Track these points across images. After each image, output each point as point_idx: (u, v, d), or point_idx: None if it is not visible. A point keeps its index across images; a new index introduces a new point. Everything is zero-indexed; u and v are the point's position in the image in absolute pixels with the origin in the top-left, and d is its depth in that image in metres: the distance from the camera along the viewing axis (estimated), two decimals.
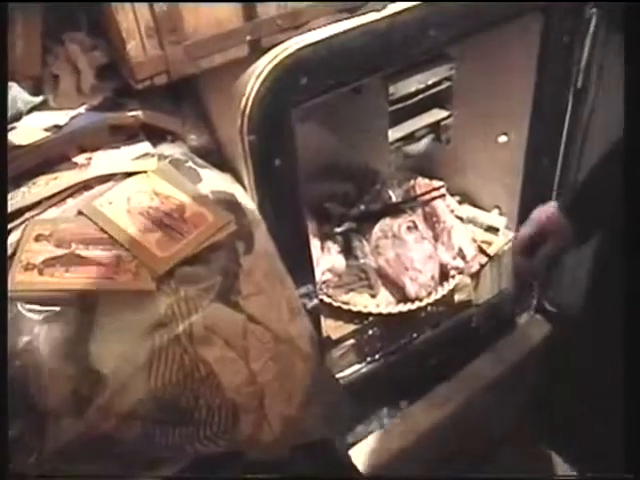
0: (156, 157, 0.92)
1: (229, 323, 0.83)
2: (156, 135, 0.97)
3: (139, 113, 0.90)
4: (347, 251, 1.33)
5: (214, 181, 0.94)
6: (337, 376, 1.33)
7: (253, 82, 0.88)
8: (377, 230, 1.33)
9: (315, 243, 1.30)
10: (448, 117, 1.17)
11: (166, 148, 0.96)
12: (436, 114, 1.16)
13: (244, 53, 0.88)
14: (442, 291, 1.29)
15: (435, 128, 1.18)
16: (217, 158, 1.00)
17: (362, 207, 1.37)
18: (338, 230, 1.34)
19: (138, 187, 0.89)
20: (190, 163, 0.94)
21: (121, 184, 0.89)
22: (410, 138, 1.15)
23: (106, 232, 0.84)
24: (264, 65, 0.88)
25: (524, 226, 1.03)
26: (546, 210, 1.01)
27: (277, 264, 0.93)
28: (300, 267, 1.07)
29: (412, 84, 1.08)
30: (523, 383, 1.43)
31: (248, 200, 0.96)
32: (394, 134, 1.12)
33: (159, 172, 0.91)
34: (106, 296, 0.80)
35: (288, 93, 0.90)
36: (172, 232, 0.84)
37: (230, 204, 0.92)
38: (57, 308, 0.79)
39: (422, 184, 1.42)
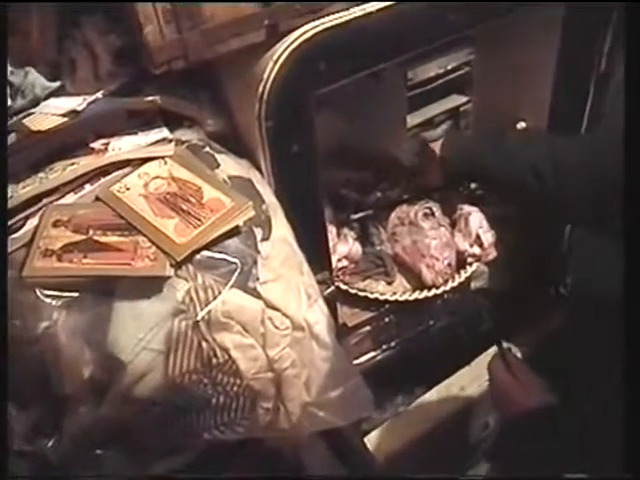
0: (173, 142, 0.91)
1: (247, 310, 0.82)
2: (173, 121, 0.96)
3: (156, 98, 0.89)
4: (363, 238, 1.32)
5: (231, 167, 0.93)
6: (354, 363, 1.33)
7: (271, 67, 0.87)
8: (394, 217, 1.32)
9: (331, 230, 1.29)
10: (467, 103, 1.15)
11: (183, 133, 0.96)
12: (455, 100, 1.15)
13: (262, 38, 0.87)
14: (459, 279, 1.28)
15: (454, 114, 1.17)
16: (234, 144, 0.99)
17: (379, 194, 1.36)
18: (354, 217, 1.32)
19: (155, 173, 0.88)
20: (207, 148, 0.93)
21: (138, 170, 0.89)
22: (429, 124, 1.14)
23: (123, 218, 0.83)
24: (282, 50, 0.87)
25: None
26: None
27: (295, 250, 0.93)
28: (317, 254, 1.07)
29: (431, 69, 1.07)
30: (540, 371, 1.42)
31: (266, 186, 0.96)
32: (412, 120, 1.11)
33: (176, 157, 0.90)
34: (124, 282, 0.80)
35: (306, 78, 0.89)
36: (190, 218, 0.83)
37: (247, 190, 0.91)
38: (75, 294, 0.78)
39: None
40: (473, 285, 1.34)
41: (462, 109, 1.15)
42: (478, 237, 1.28)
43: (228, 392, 0.84)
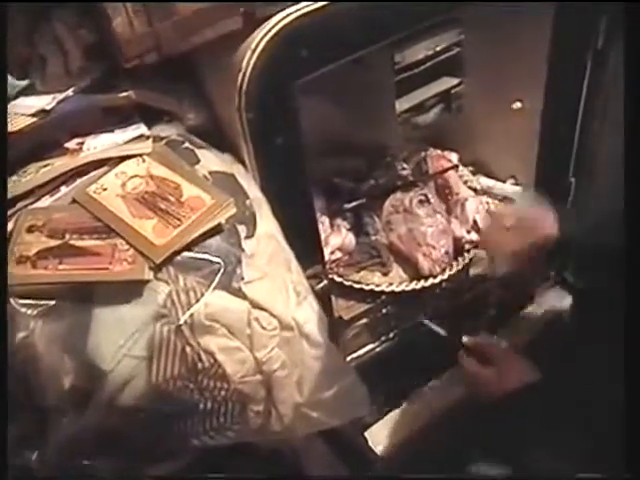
0: (151, 139, 0.88)
1: (232, 311, 0.79)
2: (152, 116, 0.93)
3: (131, 94, 0.85)
4: (358, 228, 1.29)
5: (213, 162, 0.90)
6: (351, 356, 1.30)
7: (249, 56, 0.83)
8: (388, 205, 1.29)
9: (324, 221, 1.26)
10: (458, 85, 1.12)
11: (162, 129, 0.92)
12: (446, 82, 1.11)
13: (238, 26, 0.83)
14: (457, 266, 1.25)
15: (445, 97, 1.13)
16: (217, 138, 0.96)
17: (372, 182, 1.32)
18: (348, 206, 1.29)
19: (133, 171, 0.85)
20: (187, 144, 0.90)
21: (116, 169, 0.86)
22: (419, 108, 1.11)
23: (101, 220, 0.80)
24: (260, 38, 0.82)
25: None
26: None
27: (282, 246, 0.90)
28: (308, 248, 1.04)
29: (419, 51, 1.03)
30: (543, 360, 1.39)
31: (250, 180, 0.92)
32: (402, 105, 1.07)
33: (155, 155, 0.87)
34: (102, 287, 0.77)
35: (287, 66, 0.85)
36: (169, 217, 0.80)
37: (230, 185, 0.88)
38: (52, 302, 0.76)
39: (434, 155, 1.37)
40: (472, 272, 1.30)
41: (453, 91, 1.11)
42: (475, 223, 1.25)
43: (216, 397, 0.82)
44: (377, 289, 1.22)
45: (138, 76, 0.86)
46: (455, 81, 1.11)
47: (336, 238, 1.21)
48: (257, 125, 0.88)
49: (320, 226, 1.23)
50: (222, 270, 0.79)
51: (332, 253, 1.20)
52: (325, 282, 1.08)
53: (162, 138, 0.90)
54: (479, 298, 1.37)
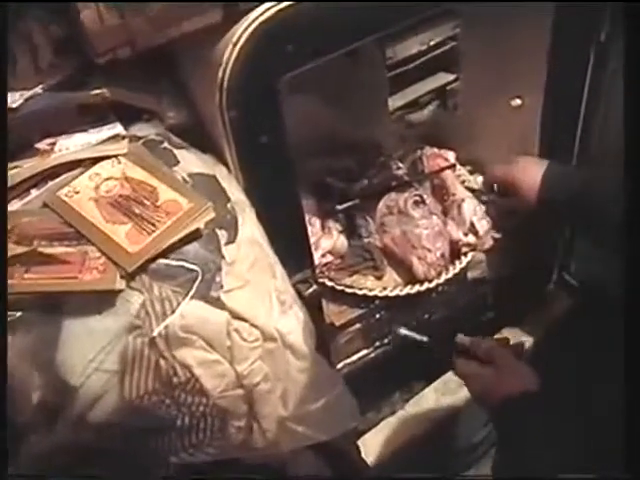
0: (127, 139, 0.83)
1: (210, 322, 0.75)
2: (130, 115, 0.88)
3: (104, 91, 0.81)
4: (350, 230, 1.24)
5: (193, 163, 0.85)
6: (343, 363, 1.26)
7: (230, 51, 0.78)
8: (382, 206, 1.24)
9: (315, 223, 1.21)
10: (455, 81, 1.07)
11: (140, 128, 0.87)
12: (441, 78, 1.06)
13: (218, 18, 0.78)
14: (453, 270, 1.20)
15: (441, 93, 1.08)
16: (199, 137, 0.91)
17: (365, 182, 1.28)
18: (340, 208, 1.24)
19: (108, 173, 0.81)
20: (166, 144, 0.85)
21: (89, 171, 0.81)
22: (413, 106, 1.06)
23: (72, 226, 0.76)
24: (241, 31, 0.78)
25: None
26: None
27: (266, 252, 0.85)
28: (296, 252, 0.99)
29: (412, 46, 0.98)
30: (545, 363, 1.35)
31: (233, 182, 0.88)
32: (395, 102, 1.02)
33: (131, 156, 0.82)
34: (72, 298, 0.72)
35: (271, 61, 0.81)
36: (143, 223, 0.75)
37: (211, 188, 0.83)
38: (19, 313, 0.71)
39: (430, 154, 1.32)
40: (470, 275, 1.25)
41: (449, 88, 1.06)
42: (472, 225, 1.20)
43: (194, 412, 0.77)
44: (370, 294, 1.17)
45: (113, 72, 0.81)
46: (451, 77, 1.06)
47: (327, 241, 1.17)
48: (240, 124, 0.83)
49: (311, 228, 1.19)
50: (200, 278, 0.75)
51: (323, 256, 1.16)
52: (315, 287, 1.03)
53: (139, 138, 0.85)
54: (477, 301, 1.32)
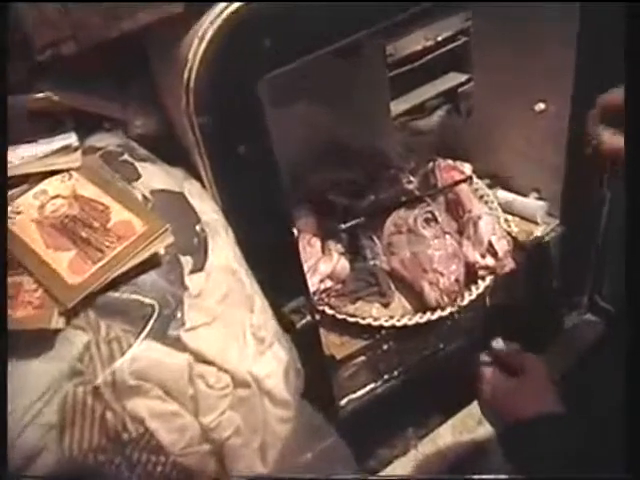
0: (80, 151, 0.73)
1: (167, 366, 0.63)
2: (89, 124, 0.78)
3: (50, 95, 0.70)
4: (354, 251, 1.13)
5: (157, 178, 0.74)
6: (348, 398, 1.14)
7: (196, 47, 0.68)
8: (389, 224, 1.12)
9: (314, 243, 1.10)
10: (467, 82, 0.95)
11: (100, 139, 0.77)
12: (451, 79, 0.96)
13: (180, 9, 0.67)
14: (470, 296, 1.08)
15: (452, 97, 0.98)
16: (170, 148, 0.80)
17: (372, 197, 1.16)
18: (343, 227, 1.12)
19: (56, 190, 0.70)
20: (126, 156, 0.75)
21: (35, 188, 0.71)
22: (419, 110, 0.95)
23: (9, 252, 0.65)
24: (209, 23, 0.67)
25: None
26: None
27: (242, 282, 0.73)
28: (287, 278, 0.89)
29: (416, 41, 0.88)
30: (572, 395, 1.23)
31: (207, 200, 0.77)
32: (398, 106, 0.91)
33: (85, 170, 0.72)
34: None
35: (245, 58, 0.70)
36: (89, 249, 0.64)
37: (176, 207, 0.72)
38: None
39: (444, 166, 1.20)
40: (489, 302, 1.13)
41: (461, 90, 0.95)
42: (491, 245, 1.08)
43: (151, 472, 0.65)
44: (375, 323, 1.05)
45: (63, 74, 0.71)
46: (463, 77, 0.95)
47: (326, 264, 1.05)
48: (212, 132, 0.72)
49: (310, 250, 1.09)
50: (156, 314, 0.64)
51: (321, 282, 1.04)
52: (309, 318, 0.91)
53: (97, 149, 0.75)
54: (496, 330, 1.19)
